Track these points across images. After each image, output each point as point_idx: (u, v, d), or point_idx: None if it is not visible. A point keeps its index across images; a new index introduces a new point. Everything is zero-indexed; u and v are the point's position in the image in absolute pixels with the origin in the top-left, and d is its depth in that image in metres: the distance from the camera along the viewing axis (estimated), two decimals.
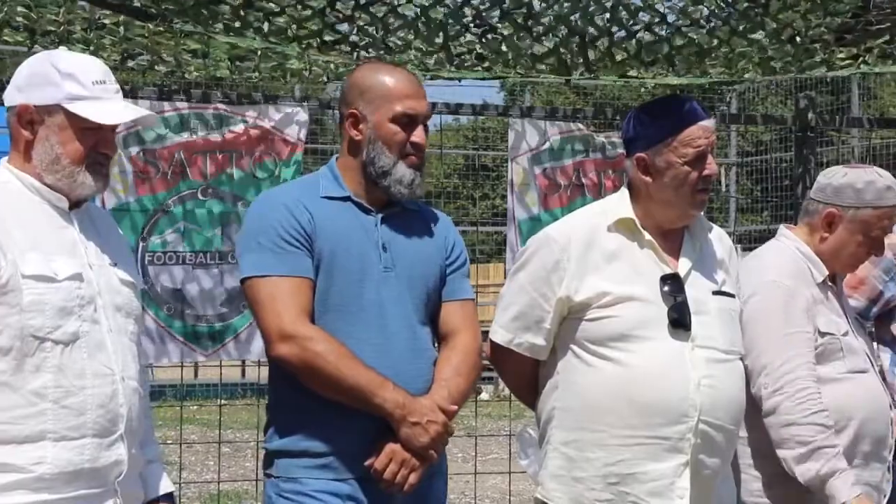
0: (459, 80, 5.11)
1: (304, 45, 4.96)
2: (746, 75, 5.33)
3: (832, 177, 3.70)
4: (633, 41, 5.03)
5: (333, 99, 5.85)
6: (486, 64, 5.09)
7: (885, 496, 3.65)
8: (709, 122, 3.28)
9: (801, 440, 3.42)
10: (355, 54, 5.04)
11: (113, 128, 2.89)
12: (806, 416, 3.43)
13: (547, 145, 5.78)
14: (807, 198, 3.80)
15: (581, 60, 5.11)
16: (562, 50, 4.99)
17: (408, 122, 3.20)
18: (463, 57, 5.06)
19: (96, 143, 2.84)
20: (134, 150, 5.21)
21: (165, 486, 3.01)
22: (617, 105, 18.49)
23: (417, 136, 3.21)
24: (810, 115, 5.94)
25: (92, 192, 2.89)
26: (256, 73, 5.73)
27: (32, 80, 2.82)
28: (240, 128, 5.33)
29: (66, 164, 2.81)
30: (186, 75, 5.84)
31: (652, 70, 5.24)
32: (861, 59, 5.18)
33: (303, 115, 5.42)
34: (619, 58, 5.11)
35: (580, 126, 5.87)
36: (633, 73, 5.26)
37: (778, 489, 3.52)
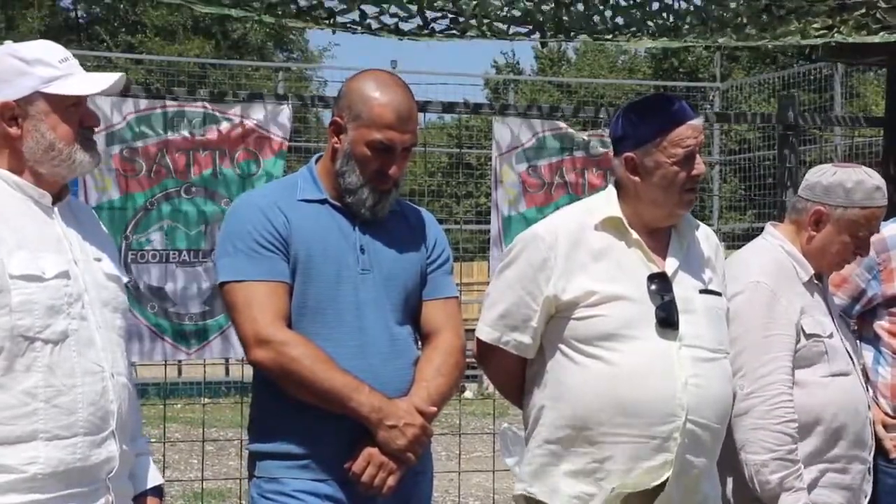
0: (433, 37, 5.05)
1: (279, 12, 4.92)
2: (721, 40, 5.32)
3: (821, 175, 3.70)
4: (609, 4, 5.03)
5: (316, 97, 5.83)
6: (461, 27, 5.06)
7: (865, 496, 3.66)
8: (697, 122, 3.28)
9: (767, 446, 3.43)
10: (332, 20, 4.99)
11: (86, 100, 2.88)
12: (777, 423, 3.44)
13: (531, 143, 5.78)
14: (795, 196, 3.80)
15: (555, 24, 5.09)
16: (536, 13, 4.98)
17: (384, 150, 3.14)
18: (437, 21, 5.04)
19: (81, 118, 2.85)
20: (117, 148, 5.20)
21: (154, 478, 3.00)
22: (602, 103, 18.51)
23: (392, 167, 3.16)
24: (793, 113, 5.95)
25: (90, 168, 2.90)
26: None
27: (1, 77, 2.80)
28: (223, 126, 5.32)
29: (61, 147, 2.80)
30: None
31: (626, 34, 5.22)
32: (836, 29, 5.20)
33: (286, 114, 5.41)
34: (594, 20, 5.10)
35: (564, 124, 5.88)
36: (607, 37, 5.25)
37: (744, 493, 3.53)
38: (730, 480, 3.54)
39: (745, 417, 3.46)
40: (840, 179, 3.65)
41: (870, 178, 3.66)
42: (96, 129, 2.94)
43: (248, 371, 3.25)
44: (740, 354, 3.47)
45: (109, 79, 2.89)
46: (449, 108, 6.06)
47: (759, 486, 3.45)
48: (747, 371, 3.47)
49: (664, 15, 5.09)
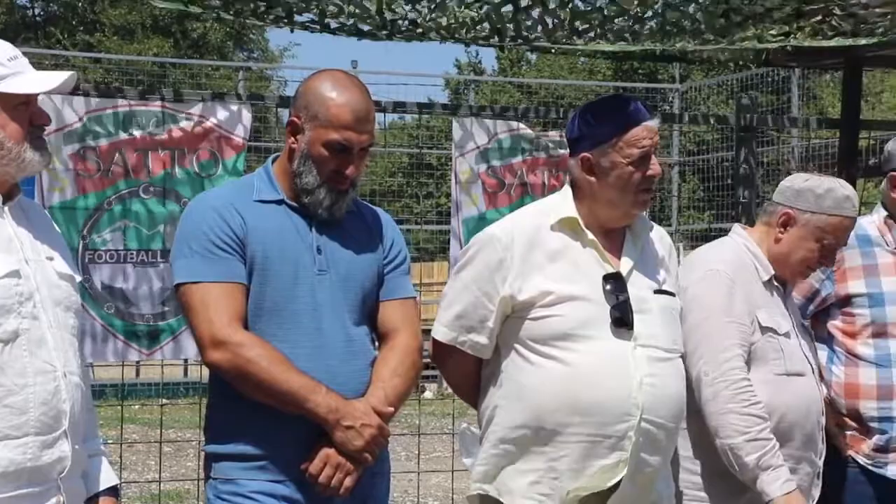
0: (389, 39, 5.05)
1: (237, 10, 4.90)
2: (678, 45, 5.37)
3: (794, 180, 3.76)
4: (567, 9, 5.05)
5: (277, 97, 5.82)
6: (420, 30, 5.07)
7: (813, 500, 3.69)
8: (653, 123, 3.30)
9: (739, 430, 3.46)
10: (290, 19, 4.98)
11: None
12: (745, 406, 3.47)
13: (492, 144, 5.80)
14: (755, 196, 3.85)
15: (513, 27, 5.11)
16: (494, 17, 4.99)
17: (342, 150, 3.15)
18: (397, 23, 5.04)
19: (31, 117, 2.83)
20: (74, 147, 5.16)
21: (108, 479, 2.98)
22: (561, 104, 18.57)
23: (349, 167, 3.16)
24: (750, 114, 6.00)
25: (40, 168, 2.89)
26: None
27: None
28: (183, 126, 5.29)
29: (10, 146, 2.78)
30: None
31: (585, 38, 5.25)
32: (792, 35, 5.26)
33: (246, 114, 5.40)
34: (551, 25, 5.12)
35: (524, 125, 5.90)
36: (565, 41, 5.27)
37: (716, 481, 3.56)
38: (698, 472, 3.57)
39: (713, 403, 3.48)
40: (811, 185, 3.70)
41: (841, 188, 3.71)
42: (50, 129, 2.92)
43: (207, 372, 3.24)
44: (704, 340, 3.50)
45: (59, 77, 2.87)
46: (412, 108, 6.07)
47: (739, 469, 3.47)
48: (710, 357, 3.50)
49: (622, 20, 5.12)
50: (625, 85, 23.83)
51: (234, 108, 5.38)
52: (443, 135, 18.14)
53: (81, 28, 32.09)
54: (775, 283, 3.72)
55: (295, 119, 3.20)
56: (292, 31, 5.09)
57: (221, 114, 5.34)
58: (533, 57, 32.81)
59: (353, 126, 3.14)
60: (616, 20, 4.99)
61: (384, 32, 5.06)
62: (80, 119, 5.16)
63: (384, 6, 4.76)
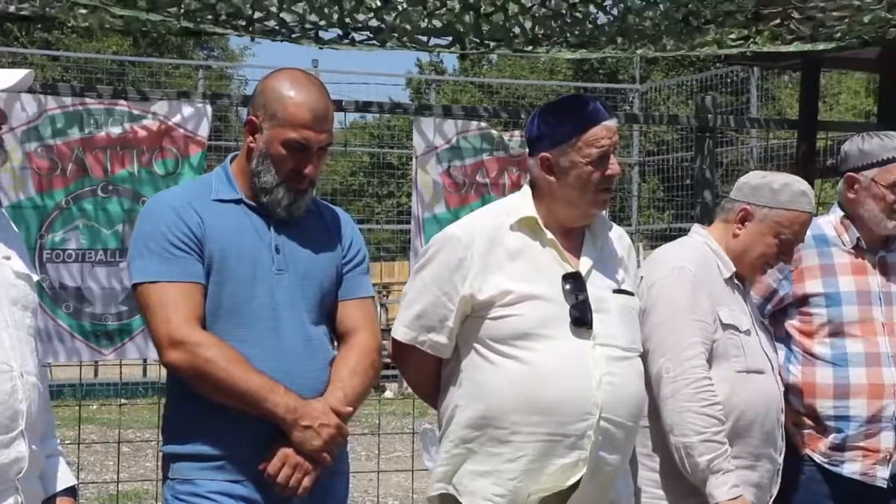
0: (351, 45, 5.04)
1: (197, 18, 4.88)
2: (639, 51, 5.40)
3: (751, 177, 3.82)
4: (528, 16, 5.06)
5: (241, 96, 5.80)
6: (382, 38, 5.06)
7: (771, 497, 3.73)
8: (612, 122, 3.31)
9: (695, 429, 3.48)
10: (251, 27, 4.97)
11: None
12: (703, 406, 3.49)
13: (451, 144, 5.80)
14: (715, 196, 3.89)
15: (475, 35, 5.12)
16: (456, 24, 5.00)
17: (300, 149, 3.14)
18: (358, 31, 5.04)
19: None
20: (33, 146, 5.12)
21: (66, 480, 2.96)
22: (522, 103, 18.60)
23: (308, 167, 3.16)
24: (710, 114, 6.03)
25: None
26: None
27: None
28: (142, 124, 5.26)
29: None
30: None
31: (546, 45, 5.27)
32: (751, 39, 5.31)
33: (207, 112, 5.37)
34: (513, 32, 5.13)
35: (484, 124, 5.90)
36: (527, 48, 5.29)
37: (673, 480, 3.58)
38: (656, 470, 3.58)
39: (672, 400, 3.51)
40: (768, 181, 3.76)
41: (797, 183, 3.76)
42: (8, 127, 2.89)
43: (166, 372, 3.23)
44: (667, 336, 3.53)
45: (15, 75, 2.85)
46: (370, 107, 6.06)
47: (689, 469, 3.49)
48: (673, 354, 3.52)
49: (583, 26, 5.14)
50: (585, 85, 23.92)
51: (195, 106, 5.35)
52: (404, 134, 18.12)
53: (39, 26, 31.80)
54: (736, 281, 3.75)
55: (253, 118, 3.20)
56: (253, 39, 5.08)
57: (182, 112, 5.31)
58: (494, 56, 32.86)
59: (312, 125, 3.14)
60: (576, 27, 5.01)
61: (346, 41, 5.05)
62: (41, 116, 5.12)
63: (345, 15, 4.76)
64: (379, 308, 13.37)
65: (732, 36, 5.32)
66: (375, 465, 6.95)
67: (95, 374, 14.06)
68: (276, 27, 4.98)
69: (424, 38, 5.11)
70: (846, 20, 5.13)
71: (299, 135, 3.12)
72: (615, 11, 5.12)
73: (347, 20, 4.87)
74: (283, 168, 3.15)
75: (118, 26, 5.03)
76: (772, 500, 3.72)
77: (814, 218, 3.89)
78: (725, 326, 3.62)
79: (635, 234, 15.52)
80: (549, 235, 3.30)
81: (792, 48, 5.32)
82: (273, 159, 3.15)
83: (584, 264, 3.32)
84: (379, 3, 4.87)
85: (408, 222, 6.63)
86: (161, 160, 5.29)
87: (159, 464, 3.36)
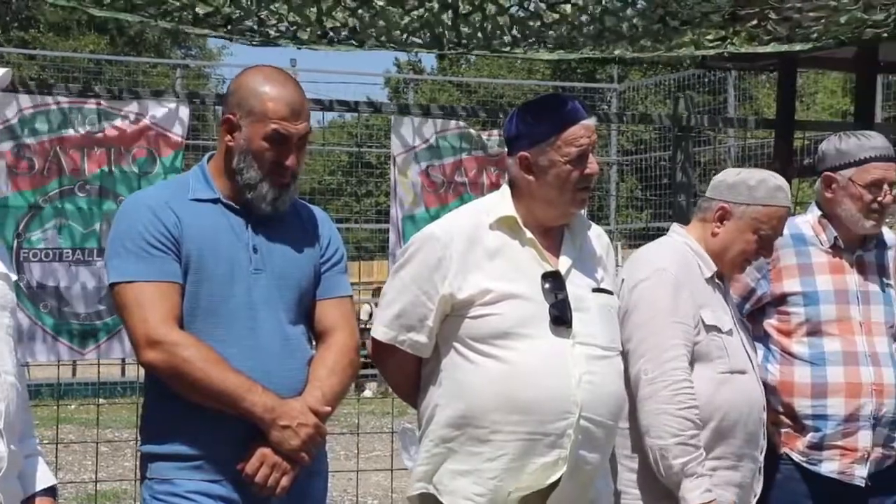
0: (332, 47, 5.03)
1: (175, 18, 4.87)
2: (616, 52, 5.41)
3: (726, 175, 3.83)
4: (506, 16, 5.06)
5: (216, 95, 5.78)
6: (360, 38, 5.06)
7: (755, 495, 3.74)
8: (590, 121, 3.32)
9: (671, 431, 3.49)
10: (228, 27, 4.96)
11: None
12: (680, 409, 3.50)
13: (429, 143, 5.80)
14: (693, 195, 3.90)
15: (453, 35, 5.12)
16: (434, 24, 5.00)
17: (281, 141, 3.15)
18: (337, 31, 5.03)
19: None
20: (9, 144, 5.10)
21: (45, 479, 2.94)
22: (501, 103, 18.61)
23: (289, 158, 3.17)
24: (687, 114, 6.05)
25: None
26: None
27: None
28: (120, 123, 5.24)
29: None
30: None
31: (524, 45, 5.28)
32: (728, 40, 5.33)
33: (184, 111, 5.36)
34: (490, 33, 5.14)
35: (463, 123, 5.90)
36: (505, 49, 5.30)
37: (650, 481, 3.59)
38: (632, 470, 3.59)
39: (649, 402, 3.51)
40: (744, 178, 3.77)
41: (773, 178, 3.77)
42: None
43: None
44: (647, 338, 3.53)
45: None
46: (350, 107, 6.05)
47: (663, 471, 3.50)
48: (653, 356, 3.53)
49: (561, 27, 5.15)
50: (563, 84, 23.95)
51: (172, 105, 5.33)
52: (382, 133, 18.11)
53: (16, 24, 31.66)
54: (716, 280, 3.76)
55: (230, 117, 3.19)
56: (231, 40, 5.07)
57: (159, 111, 5.30)
58: (472, 56, 32.85)
59: (289, 117, 3.15)
60: (554, 27, 5.02)
61: (324, 41, 5.05)
62: (16, 115, 5.09)
63: (324, 15, 4.75)
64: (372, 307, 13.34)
65: (710, 37, 5.34)
66: (354, 465, 6.94)
67: (74, 374, 14.00)
68: (255, 27, 4.97)
69: (403, 38, 5.11)
70: (823, 21, 5.15)
71: (280, 126, 3.13)
72: (589, 11, 5.13)
73: (325, 20, 4.86)
74: (266, 162, 3.15)
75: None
76: (755, 499, 3.74)
77: (791, 217, 3.91)
78: (709, 328, 3.63)
79: (613, 233, 15.54)
80: (529, 234, 3.30)
81: (769, 49, 5.34)
82: (255, 154, 3.15)
83: (563, 263, 3.32)
84: (356, 3, 4.87)
85: (386, 221, 6.62)
86: (138, 159, 5.28)
87: (138, 463, 3.36)
